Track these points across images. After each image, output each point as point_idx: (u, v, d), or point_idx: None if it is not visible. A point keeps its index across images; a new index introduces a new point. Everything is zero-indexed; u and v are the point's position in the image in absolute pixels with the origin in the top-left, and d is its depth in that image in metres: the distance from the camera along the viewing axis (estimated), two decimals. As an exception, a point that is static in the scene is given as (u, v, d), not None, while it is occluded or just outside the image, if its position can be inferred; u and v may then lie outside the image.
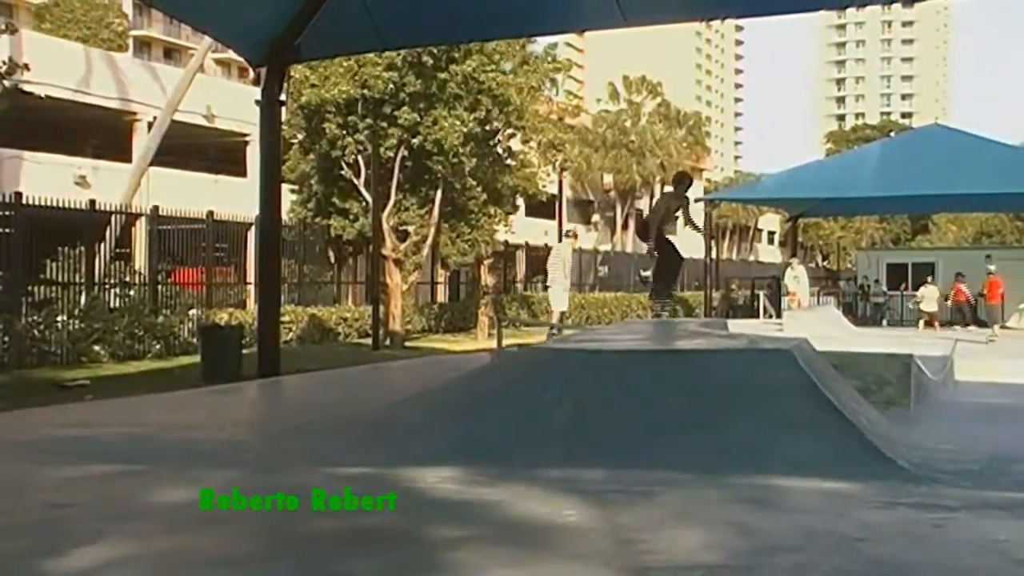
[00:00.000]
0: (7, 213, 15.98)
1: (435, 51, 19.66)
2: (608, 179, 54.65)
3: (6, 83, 18.29)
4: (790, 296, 22.69)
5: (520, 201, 29.86)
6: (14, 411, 8.07)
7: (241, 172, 28.78)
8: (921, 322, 23.35)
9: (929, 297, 23.49)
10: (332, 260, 25.31)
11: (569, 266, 16.53)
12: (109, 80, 25.91)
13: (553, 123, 27.99)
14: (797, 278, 22.86)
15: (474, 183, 22.45)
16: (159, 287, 18.67)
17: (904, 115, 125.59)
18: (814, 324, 16.12)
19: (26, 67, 18.90)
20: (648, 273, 10.06)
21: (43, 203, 16.38)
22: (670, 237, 10.54)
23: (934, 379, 8.97)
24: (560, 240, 21.64)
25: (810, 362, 5.83)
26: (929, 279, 24.73)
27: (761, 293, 24.82)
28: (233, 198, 22.66)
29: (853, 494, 4.55)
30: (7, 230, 15.93)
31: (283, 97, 11.90)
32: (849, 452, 5.02)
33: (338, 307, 23.06)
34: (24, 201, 16.12)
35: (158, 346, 16.85)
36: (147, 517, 4.13)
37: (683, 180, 10.45)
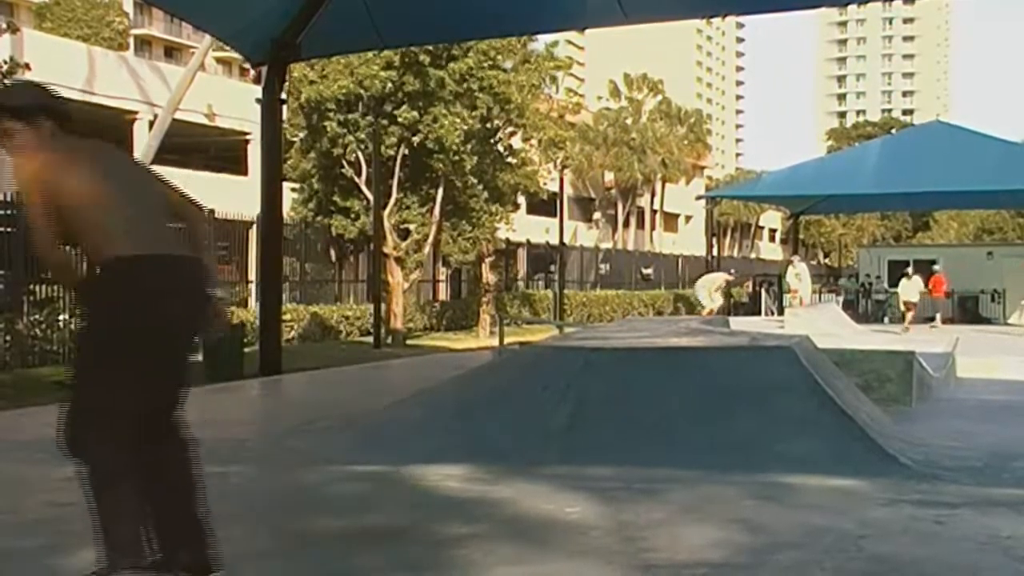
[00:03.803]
0: (8, 212, 15.96)
1: (432, 49, 19.62)
2: (609, 177, 54.68)
3: (7, 82, 18.28)
4: (792, 294, 22.68)
5: (521, 199, 29.86)
6: (15, 410, 8.07)
7: (242, 171, 28.75)
8: (906, 314, 23.37)
9: (911, 288, 23.55)
10: (333, 259, 25.31)
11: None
12: (110, 79, 25.90)
13: (554, 121, 27.93)
14: (799, 275, 22.82)
15: (475, 181, 22.43)
16: (160, 286, 18.62)
17: (905, 112, 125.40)
18: (816, 321, 16.13)
19: (27, 66, 18.89)
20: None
21: (44, 202, 16.34)
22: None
23: (936, 376, 8.97)
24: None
25: (812, 359, 5.82)
26: (909, 270, 24.70)
27: (763, 291, 24.77)
28: (234, 197, 22.61)
29: (855, 491, 4.55)
30: (8, 229, 15.91)
31: (284, 96, 11.91)
32: (851, 449, 5.02)
33: (339, 305, 23.03)
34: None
35: (160, 345, 16.81)
36: (150, 516, 4.12)
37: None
